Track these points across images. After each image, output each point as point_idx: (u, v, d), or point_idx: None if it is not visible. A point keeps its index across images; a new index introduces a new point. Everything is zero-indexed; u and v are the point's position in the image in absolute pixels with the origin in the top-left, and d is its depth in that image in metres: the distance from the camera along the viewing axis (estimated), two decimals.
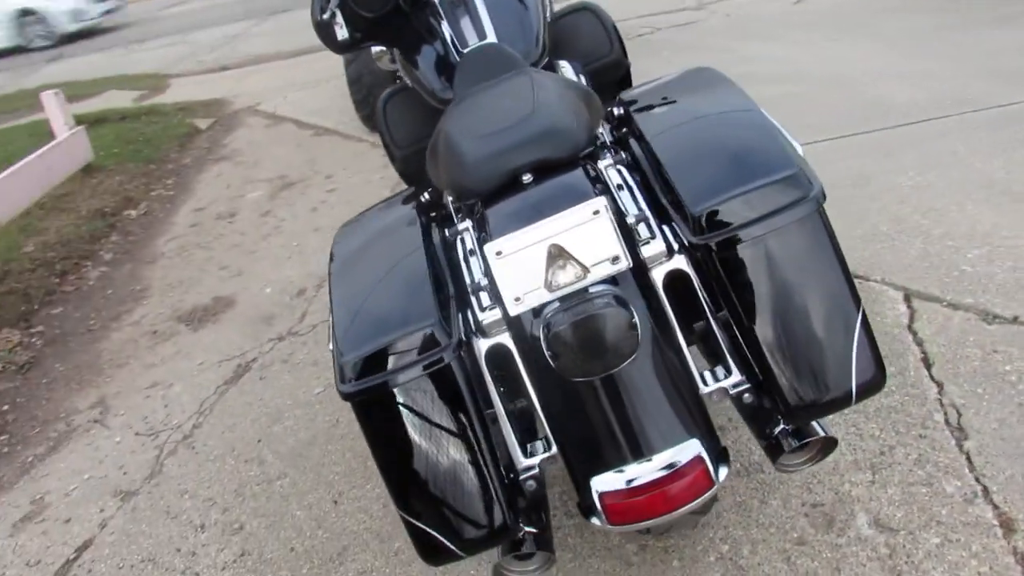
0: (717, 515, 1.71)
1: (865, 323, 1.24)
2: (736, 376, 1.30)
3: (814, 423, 1.33)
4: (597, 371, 1.22)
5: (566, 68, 2.33)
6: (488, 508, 1.25)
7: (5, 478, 2.46)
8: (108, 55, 11.20)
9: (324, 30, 2.32)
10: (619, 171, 1.43)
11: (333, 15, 2.21)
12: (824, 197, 1.23)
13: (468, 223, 1.46)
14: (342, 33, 2.25)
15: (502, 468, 1.31)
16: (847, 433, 1.82)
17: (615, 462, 1.24)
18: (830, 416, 1.33)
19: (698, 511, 1.60)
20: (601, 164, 1.43)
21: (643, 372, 1.25)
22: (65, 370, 3.04)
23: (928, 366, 1.97)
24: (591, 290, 1.23)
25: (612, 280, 1.26)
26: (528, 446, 1.34)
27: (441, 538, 1.26)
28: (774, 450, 1.32)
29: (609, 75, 2.60)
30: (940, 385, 1.91)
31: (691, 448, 1.23)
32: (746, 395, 1.30)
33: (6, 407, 2.85)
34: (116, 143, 5.72)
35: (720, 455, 1.27)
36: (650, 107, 1.57)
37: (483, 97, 1.61)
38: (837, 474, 1.73)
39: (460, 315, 1.33)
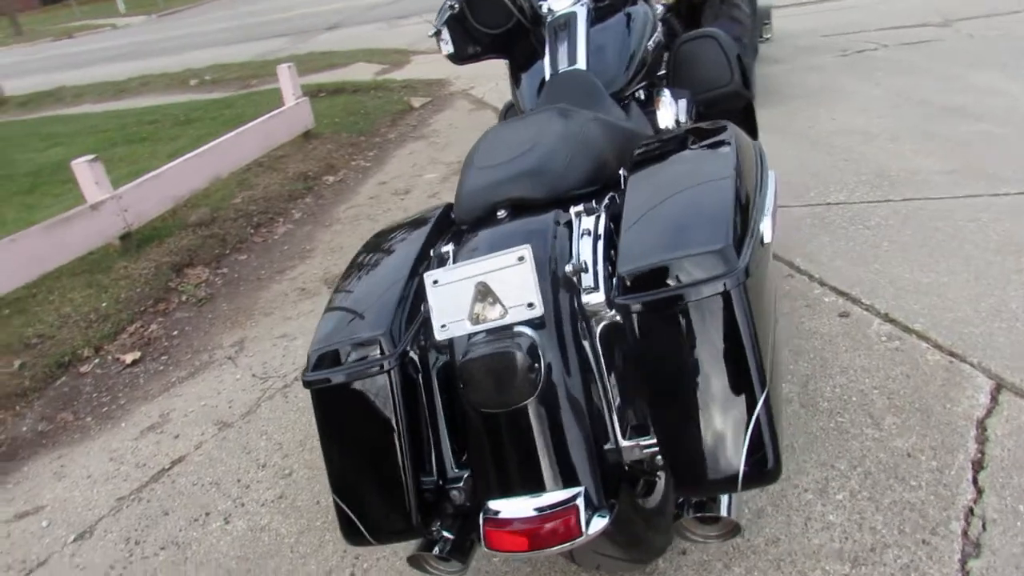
0: (677, 568, 1.70)
1: (768, 410, 1.21)
2: (653, 437, 1.32)
3: (723, 501, 1.32)
4: (497, 405, 1.30)
5: (665, 97, 2.34)
6: (399, 508, 1.38)
7: (152, 392, 2.97)
8: (374, 28, 12.32)
9: (442, 46, 2.52)
10: (594, 218, 1.47)
11: (438, 32, 2.40)
12: (746, 276, 1.21)
13: (450, 246, 1.58)
14: (447, 48, 2.44)
15: (434, 474, 1.43)
16: (847, 519, 1.72)
17: (504, 491, 1.32)
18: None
19: (640, 560, 1.63)
20: (573, 210, 1.48)
21: (546, 414, 1.30)
22: (228, 310, 3.56)
23: (977, 469, 1.79)
24: (515, 329, 1.31)
25: (540, 323, 1.33)
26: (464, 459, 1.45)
27: (359, 524, 1.41)
28: (676, 515, 1.33)
29: (726, 106, 2.55)
30: (980, 492, 1.73)
31: (570, 496, 1.27)
32: (659, 456, 1.32)
33: (176, 333, 3.41)
34: (340, 113, 6.38)
35: (607, 509, 1.30)
36: (655, 156, 1.59)
37: (505, 129, 1.71)
38: (815, 558, 1.65)
39: (420, 330, 1.47)
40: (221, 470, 2.37)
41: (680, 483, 1.26)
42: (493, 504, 1.32)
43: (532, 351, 1.27)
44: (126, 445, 2.63)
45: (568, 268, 1.36)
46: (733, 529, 1.33)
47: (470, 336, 1.33)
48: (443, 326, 1.33)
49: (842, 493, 1.79)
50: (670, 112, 2.34)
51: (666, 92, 2.39)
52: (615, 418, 1.36)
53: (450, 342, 1.38)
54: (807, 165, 3.65)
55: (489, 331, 1.32)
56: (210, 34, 16.66)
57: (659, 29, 2.43)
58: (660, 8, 2.85)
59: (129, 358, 3.22)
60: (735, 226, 1.28)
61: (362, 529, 1.41)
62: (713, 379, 1.22)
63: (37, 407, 2.98)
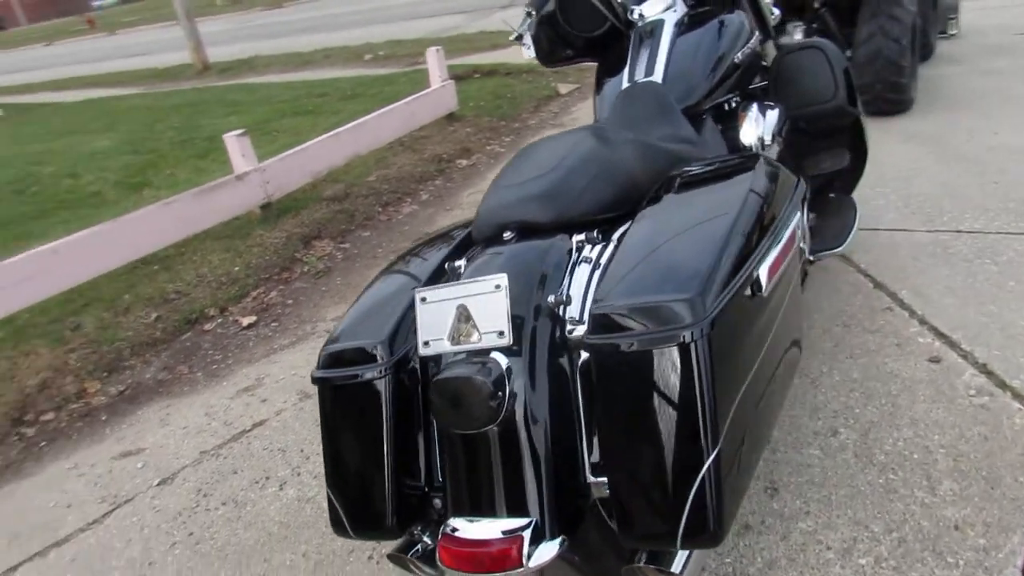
0: None
1: (716, 471, 1.15)
2: None
3: (680, 556, 1.28)
4: (460, 427, 1.32)
5: (751, 113, 2.23)
6: (379, 507, 1.45)
7: (256, 355, 3.22)
8: None
9: (535, 48, 2.53)
10: (595, 248, 1.45)
11: (520, 37, 2.40)
12: (711, 328, 1.15)
13: (461, 263, 1.61)
14: (528, 53, 2.44)
15: (421, 479, 1.49)
16: None
17: (463, 510, 1.34)
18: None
19: None
20: (575, 238, 1.46)
21: (508, 442, 1.31)
22: (340, 284, 3.78)
23: None
24: (491, 355, 1.33)
25: (516, 351, 1.33)
26: None
27: (342, 516, 1.49)
28: (629, 558, 1.30)
29: (829, 123, 2.40)
30: None
31: (519, 526, 1.28)
32: None
33: (291, 302, 3.67)
34: (487, 96, 6.51)
35: (557, 543, 1.29)
36: (672, 188, 1.53)
37: (537, 147, 1.71)
38: None
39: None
40: (291, 438, 2.55)
41: (621, 529, 1.23)
42: (452, 521, 1.35)
43: (499, 379, 1.28)
44: (222, 403, 2.88)
45: (550, 299, 1.35)
46: None
47: (448, 356, 1.36)
48: (426, 343, 1.37)
49: (867, 558, 1.67)
50: (754, 128, 2.23)
51: (753, 107, 2.27)
52: (586, 454, 1.35)
53: (433, 359, 1.42)
54: (949, 184, 3.34)
55: (468, 353, 1.34)
56: (396, 8, 17.42)
57: (754, 38, 2.30)
58: (776, 13, 2.70)
59: (246, 321, 3.51)
60: (713, 275, 1.22)
61: (344, 521, 1.49)
62: (663, 431, 1.18)
63: (162, 358, 3.33)
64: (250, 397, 2.89)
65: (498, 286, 1.30)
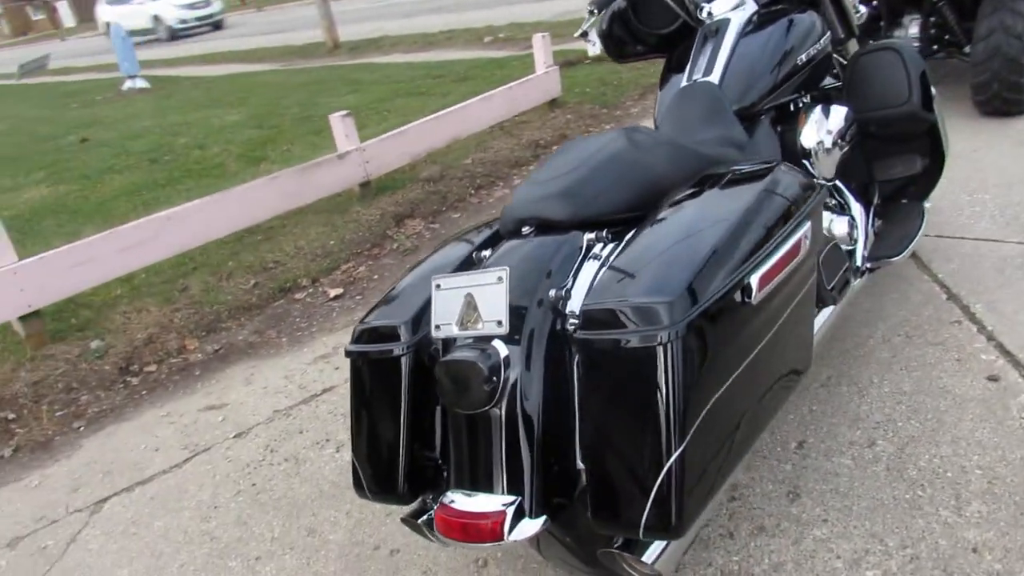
0: None
1: (681, 468, 1.20)
2: None
3: (656, 547, 1.33)
4: (458, 407, 1.42)
5: (813, 115, 2.21)
6: (392, 474, 1.57)
7: (337, 325, 3.44)
8: None
9: (604, 45, 2.57)
10: (606, 247, 1.51)
11: (585, 34, 2.45)
12: (685, 332, 1.20)
13: (487, 252, 1.70)
14: (593, 50, 2.48)
15: (437, 451, 1.60)
16: None
17: (459, 484, 1.44)
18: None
19: (587, 570, 1.64)
20: (586, 237, 1.52)
21: (501, 424, 1.40)
22: None
23: None
24: (493, 342, 1.42)
25: (517, 340, 1.41)
26: None
27: (362, 479, 1.63)
28: (605, 541, 1.37)
29: (902, 128, 2.33)
30: None
31: (503, 503, 1.37)
32: None
33: (376, 276, 3.88)
34: (593, 83, 6.53)
35: (540, 521, 1.37)
36: (690, 192, 1.56)
37: (573, 144, 1.77)
38: None
39: None
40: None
41: (592, 514, 1.30)
42: (450, 492, 1.46)
43: (496, 365, 1.37)
44: (300, 367, 3.11)
45: (552, 294, 1.43)
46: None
47: (456, 340, 1.46)
48: (438, 327, 1.48)
49: (874, 571, 1.66)
50: (815, 132, 2.20)
51: (816, 109, 2.24)
52: (579, 441, 1.42)
53: (444, 341, 1.52)
54: None
55: (474, 338, 1.44)
56: None
57: (824, 38, 2.26)
58: (862, 11, 2.62)
59: (333, 293, 3.74)
60: (697, 279, 1.26)
61: (363, 484, 1.63)
62: (633, 425, 1.24)
63: (255, 322, 3.61)
64: (325, 364, 3.10)
65: (500, 278, 1.38)
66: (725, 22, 2.26)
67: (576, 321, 1.40)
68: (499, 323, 1.38)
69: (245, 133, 7.05)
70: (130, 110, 9.84)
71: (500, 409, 1.39)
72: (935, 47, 4.38)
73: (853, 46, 2.62)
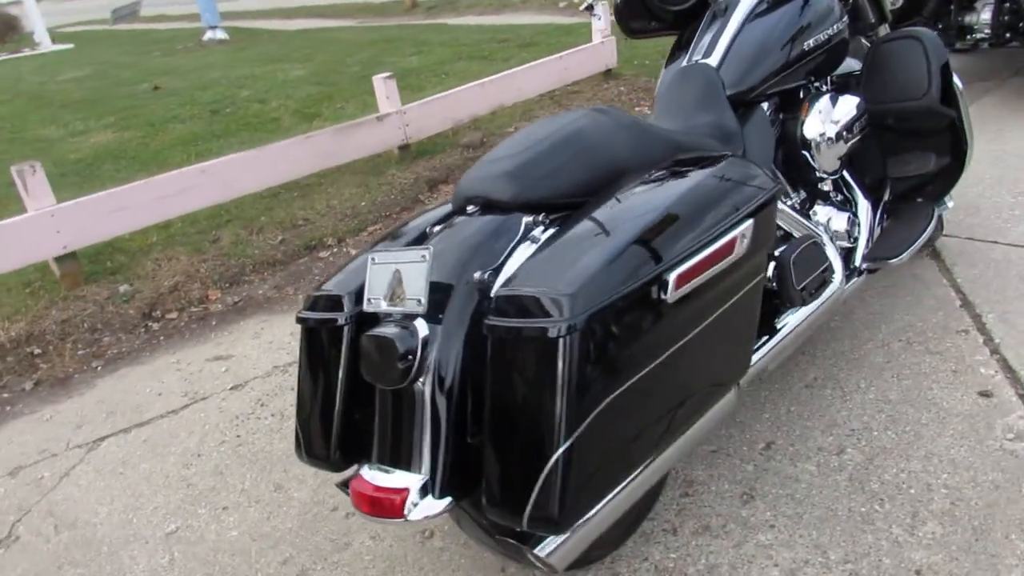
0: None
1: (567, 462, 1.18)
2: None
3: (552, 540, 1.32)
4: (376, 382, 1.43)
5: (819, 103, 2.10)
6: (326, 442, 1.59)
7: None
8: None
9: (618, 19, 2.50)
10: (541, 229, 1.47)
11: (590, 7, 2.38)
12: (584, 325, 1.17)
13: (436, 228, 1.68)
14: (598, 24, 2.42)
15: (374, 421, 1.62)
16: None
17: (381, 459, 1.45)
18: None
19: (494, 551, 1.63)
20: (524, 220, 1.49)
21: (415, 403, 1.40)
22: None
23: None
24: (416, 320, 1.41)
25: (439, 320, 1.41)
26: None
27: (301, 443, 1.66)
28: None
29: (917, 121, 2.21)
30: None
31: (409, 480, 1.37)
32: None
33: None
34: (652, 55, 6.35)
35: (444, 502, 1.37)
36: (642, 181, 1.51)
37: (536, 125, 1.73)
38: None
39: None
40: None
41: (485, 500, 1.29)
42: (367, 465, 1.48)
43: (412, 344, 1.37)
44: None
45: (476, 276, 1.41)
46: (548, 568, 1.33)
47: (383, 315, 1.46)
48: (369, 300, 1.48)
49: None
50: (818, 121, 2.10)
51: (823, 98, 2.13)
52: None
53: (373, 315, 1.53)
54: None
55: (401, 315, 1.44)
56: None
57: (840, 22, 2.13)
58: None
59: (355, 252, 3.79)
60: (604, 273, 1.22)
61: (301, 447, 1.66)
62: (524, 415, 1.23)
63: (276, 277, 3.69)
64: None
65: (423, 257, 1.38)
66: (735, 1, 2.16)
67: None
68: (418, 302, 1.38)
69: (305, 89, 7.15)
70: (205, 60, 10.10)
71: (417, 388, 1.40)
72: (1008, 35, 4.10)
73: (882, 32, 2.47)
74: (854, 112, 2.14)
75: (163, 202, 3.79)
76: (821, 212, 2.16)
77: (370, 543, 1.93)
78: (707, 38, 2.13)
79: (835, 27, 2.12)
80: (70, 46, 15.30)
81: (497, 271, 1.42)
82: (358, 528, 1.99)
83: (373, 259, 1.47)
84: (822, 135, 2.08)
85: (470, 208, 1.57)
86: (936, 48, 2.17)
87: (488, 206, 1.55)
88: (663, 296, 1.28)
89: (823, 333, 2.42)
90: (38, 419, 2.83)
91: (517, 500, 1.23)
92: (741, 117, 2.01)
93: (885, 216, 2.32)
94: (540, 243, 1.44)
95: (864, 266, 2.14)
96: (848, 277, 2.16)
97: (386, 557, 1.87)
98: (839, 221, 2.14)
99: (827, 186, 2.23)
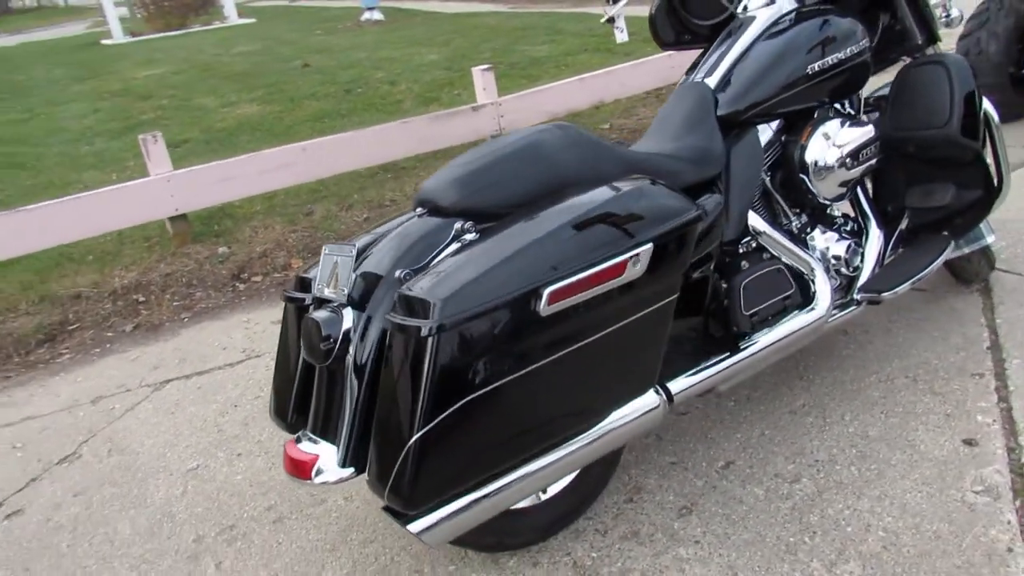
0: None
1: (420, 450, 1.31)
2: None
3: (428, 517, 1.45)
4: (308, 359, 1.61)
5: (824, 128, 2.08)
6: (285, 406, 1.79)
7: None
8: None
9: (652, 31, 2.55)
10: (467, 235, 1.59)
11: (611, 20, 2.42)
12: (449, 328, 1.30)
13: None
14: (621, 37, 2.45)
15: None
16: None
17: (313, 428, 1.63)
18: None
19: None
20: (456, 225, 1.61)
21: (335, 382, 1.57)
22: None
23: None
24: (346, 308, 1.58)
25: (363, 307, 1.57)
26: None
27: (272, 403, 1.88)
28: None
29: (940, 152, 2.14)
30: None
31: (321, 450, 1.55)
32: None
33: None
34: None
35: (348, 471, 1.53)
36: (562, 196, 1.59)
37: (505, 136, 1.83)
38: None
39: None
40: None
41: (367, 474, 1.45)
42: (300, 432, 1.67)
43: (335, 329, 1.54)
44: None
45: (397, 273, 1.55)
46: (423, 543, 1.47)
47: (325, 300, 1.64)
48: (318, 287, 1.67)
49: None
50: (820, 146, 2.06)
51: (828, 123, 2.09)
52: None
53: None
54: None
55: (337, 302, 1.61)
56: None
57: (857, 44, 2.07)
58: (955, 14, 2.34)
59: None
60: (479, 282, 1.34)
61: (271, 408, 1.87)
62: (398, 403, 1.37)
63: None
64: None
65: (350, 252, 1.55)
66: (749, 20, 2.16)
67: None
68: (342, 291, 1.55)
69: (433, 74, 7.47)
70: (357, 40, 10.71)
71: (334, 367, 1.57)
72: None
73: (934, 52, 2.36)
74: (861, 139, 2.08)
75: (264, 175, 4.17)
76: (820, 238, 2.12)
77: (342, 502, 2.13)
78: (714, 56, 2.14)
79: (851, 49, 2.07)
80: (252, 20, 16.61)
81: (417, 271, 1.55)
82: (337, 489, 2.19)
83: (325, 250, 1.65)
84: (821, 160, 2.04)
85: (419, 210, 1.71)
86: (962, 75, 2.06)
87: (435, 210, 1.69)
88: (536, 310, 1.37)
89: (828, 360, 2.38)
90: (127, 358, 3.25)
91: (383, 475, 1.38)
92: (732, 138, 2.02)
93: (900, 246, 2.24)
94: (459, 248, 1.57)
95: (858, 297, 2.09)
96: (846, 306, 2.12)
97: (349, 516, 2.07)
98: (838, 248, 2.10)
99: (835, 211, 2.19)
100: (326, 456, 1.55)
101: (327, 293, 1.62)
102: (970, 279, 2.58)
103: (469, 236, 1.60)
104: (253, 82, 8.33)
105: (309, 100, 7.07)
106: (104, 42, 15.32)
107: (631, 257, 1.46)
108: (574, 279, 1.40)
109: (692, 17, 2.48)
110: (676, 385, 1.78)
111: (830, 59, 2.05)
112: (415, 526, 1.44)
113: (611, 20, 2.50)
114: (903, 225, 2.24)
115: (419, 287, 1.40)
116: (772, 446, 2.06)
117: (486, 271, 1.36)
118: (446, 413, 1.33)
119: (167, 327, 3.49)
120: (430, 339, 1.31)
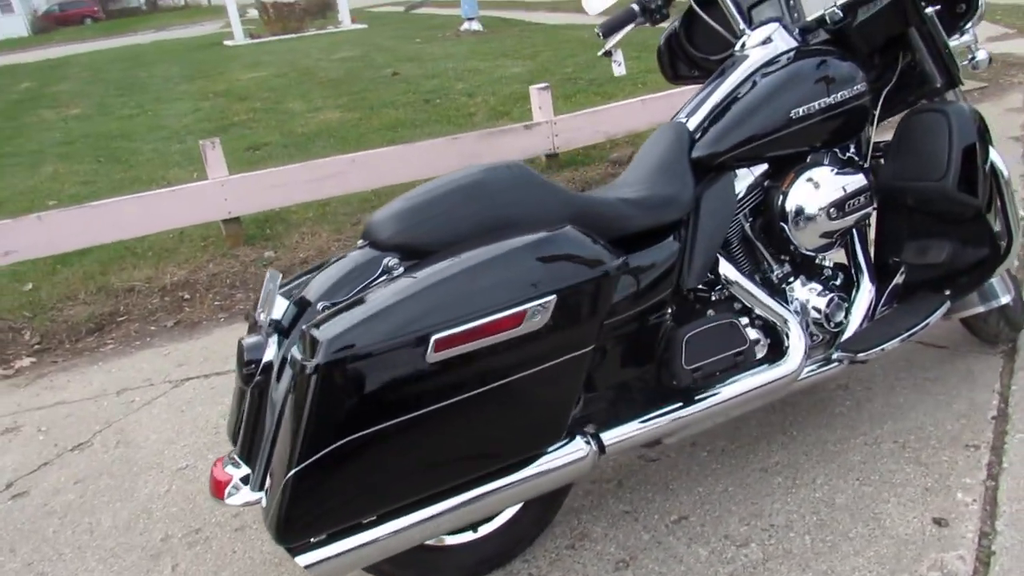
0: None
1: (296, 484, 1.34)
2: None
3: (322, 551, 1.47)
4: (237, 382, 1.66)
5: (809, 174, 1.98)
6: (234, 424, 1.84)
7: None
8: None
9: (660, 66, 2.51)
10: (395, 271, 1.60)
11: (608, 53, 2.38)
12: (329, 367, 1.32)
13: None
14: (619, 71, 2.41)
15: None
16: None
17: (241, 450, 1.68)
18: None
19: None
20: (385, 261, 1.62)
21: (256, 405, 1.61)
22: None
23: None
24: (275, 335, 1.62)
25: (290, 336, 1.60)
26: None
27: (229, 422, 1.94)
28: None
29: (938, 206, 2.01)
30: None
31: (240, 473, 1.59)
32: None
33: None
34: None
35: (256, 496, 1.56)
36: (487, 239, 1.58)
37: (451, 173, 1.82)
38: None
39: None
40: None
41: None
42: (231, 453, 1.72)
43: (258, 353, 1.59)
44: None
45: (319, 306, 1.58)
46: None
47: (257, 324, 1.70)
48: (257, 311, 1.72)
49: None
50: (801, 194, 1.96)
51: (814, 170, 1.98)
52: None
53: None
54: None
55: (271, 326, 1.66)
56: None
57: (852, 89, 1.96)
58: (978, 57, 2.18)
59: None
60: (368, 323, 1.35)
61: (228, 429, 1.94)
62: (283, 436, 1.40)
63: None
64: None
65: (275, 280, 1.59)
66: (742, 59, 2.09)
67: None
68: (267, 318, 1.60)
69: (512, 87, 7.53)
70: (450, 50, 10.91)
71: (256, 391, 1.61)
72: None
73: (951, 98, 2.20)
74: (848, 189, 1.96)
75: (314, 184, 4.31)
76: (800, 290, 2.02)
77: None
78: (700, 96, 2.08)
79: (843, 93, 1.96)
80: (364, 26, 17.18)
81: (336, 303, 1.58)
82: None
83: (267, 274, 1.71)
84: (802, 209, 1.95)
85: (360, 243, 1.74)
86: (963, 125, 1.92)
87: (374, 243, 1.71)
88: (424, 356, 1.37)
89: (817, 416, 2.26)
90: (160, 352, 3.44)
91: (268, 506, 1.41)
92: (706, 183, 1.95)
93: (893, 303, 2.10)
94: (380, 285, 1.58)
95: (835, 355, 1.98)
96: (826, 362, 2.01)
97: None
98: (819, 302, 1.99)
99: (824, 261, 2.08)
100: (240, 479, 1.60)
101: (260, 318, 1.67)
102: (990, 340, 2.40)
103: (396, 272, 1.62)
104: (343, 88, 8.63)
105: (388, 108, 7.26)
106: (226, 43, 16.21)
107: (531, 308, 1.44)
108: (465, 327, 1.39)
109: (698, 52, 2.43)
110: (612, 435, 1.73)
111: (818, 103, 1.95)
112: (303, 559, 1.46)
113: (608, 54, 2.46)
114: (899, 280, 2.10)
115: (321, 322, 1.43)
116: (731, 504, 1.98)
117: (382, 311, 1.38)
118: (323, 452, 1.35)
119: (203, 326, 3.66)
120: (312, 377, 1.34)
